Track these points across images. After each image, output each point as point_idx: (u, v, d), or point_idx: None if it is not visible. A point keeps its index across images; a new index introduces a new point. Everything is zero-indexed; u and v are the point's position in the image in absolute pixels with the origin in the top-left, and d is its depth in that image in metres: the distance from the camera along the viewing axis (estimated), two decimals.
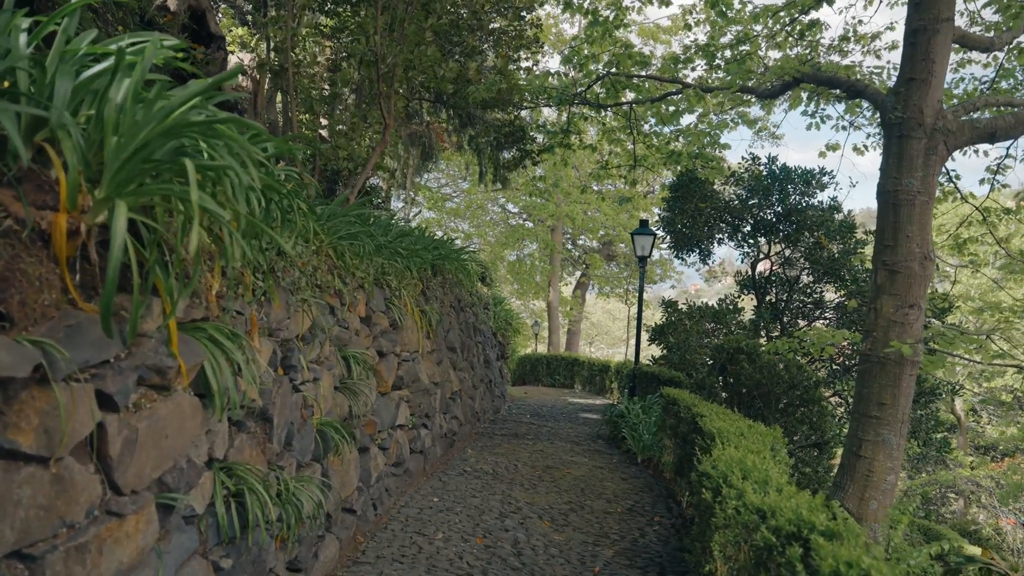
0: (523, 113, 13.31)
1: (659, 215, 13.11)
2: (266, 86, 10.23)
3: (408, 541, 4.57)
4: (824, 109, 8.89)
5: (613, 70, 9.71)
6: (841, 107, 10.18)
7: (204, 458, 2.51)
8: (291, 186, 3.98)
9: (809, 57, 8.41)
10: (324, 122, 10.31)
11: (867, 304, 6.33)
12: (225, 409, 2.43)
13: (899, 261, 6.01)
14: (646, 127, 11.56)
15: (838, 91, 8.13)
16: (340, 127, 6.77)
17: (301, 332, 3.90)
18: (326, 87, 10.70)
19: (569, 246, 31.99)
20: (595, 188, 25.60)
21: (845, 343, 9.61)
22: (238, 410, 2.78)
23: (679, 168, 11.46)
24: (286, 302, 3.64)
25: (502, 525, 5.08)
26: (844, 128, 10.84)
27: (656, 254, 27.43)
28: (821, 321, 12.22)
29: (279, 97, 10.45)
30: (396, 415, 5.77)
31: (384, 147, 6.62)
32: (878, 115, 10.63)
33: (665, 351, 11.79)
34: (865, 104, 9.97)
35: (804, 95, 9.42)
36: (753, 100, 9.91)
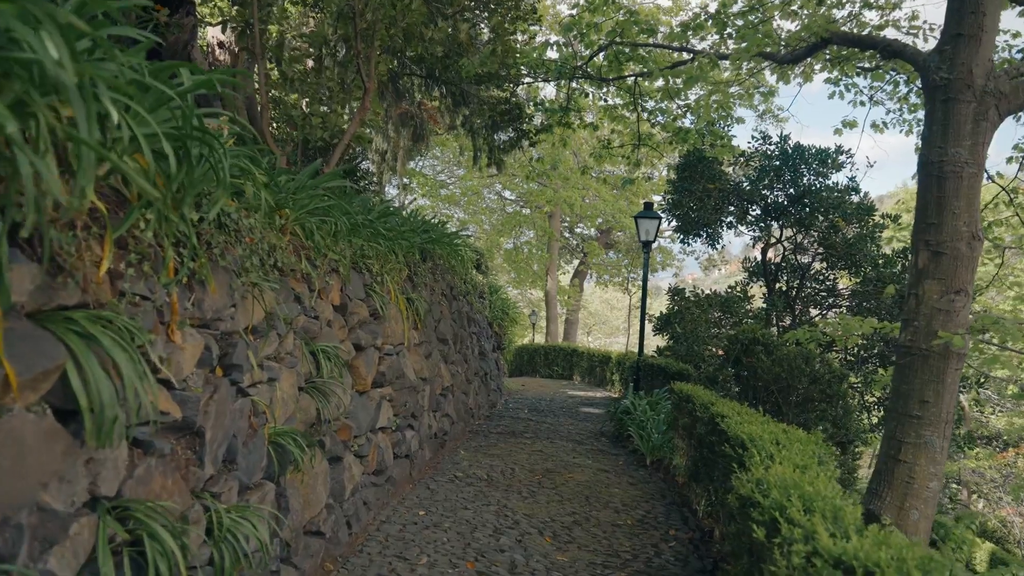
0: (519, 90, 12.59)
1: (663, 198, 12.40)
2: (243, 60, 9.49)
3: (386, 568, 3.90)
4: (848, 78, 8.17)
5: (617, 39, 8.98)
6: (863, 81, 9.48)
7: (82, 498, 1.82)
8: (231, 142, 3.27)
9: (833, 19, 7.66)
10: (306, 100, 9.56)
11: (906, 290, 5.64)
12: (102, 431, 1.73)
13: (944, 241, 5.32)
14: (650, 103, 10.85)
15: (868, 54, 7.43)
16: (317, 85, 6.03)
17: (251, 323, 3.20)
18: (310, 62, 9.95)
19: (567, 234, 31.29)
20: (593, 175, 24.86)
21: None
22: (134, 428, 2.08)
23: (686, 147, 10.75)
24: (228, 286, 2.94)
25: (497, 544, 4.41)
26: (863, 104, 10.14)
27: (656, 241, 26.77)
28: (835, 310, 11.57)
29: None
30: (376, 417, 5.09)
31: (364, 114, 5.90)
32: (900, 89, 9.98)
33: (671, 341, 11.11)
34: (888, 77, 9.28)
35: (820, 65, 8.70)
36: (769, 70, 9.19)
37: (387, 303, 5.63)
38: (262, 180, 3.95)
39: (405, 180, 25.30)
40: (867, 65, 8.74)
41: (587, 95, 11.54)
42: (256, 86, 10.07)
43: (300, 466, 3.34)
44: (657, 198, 17.97)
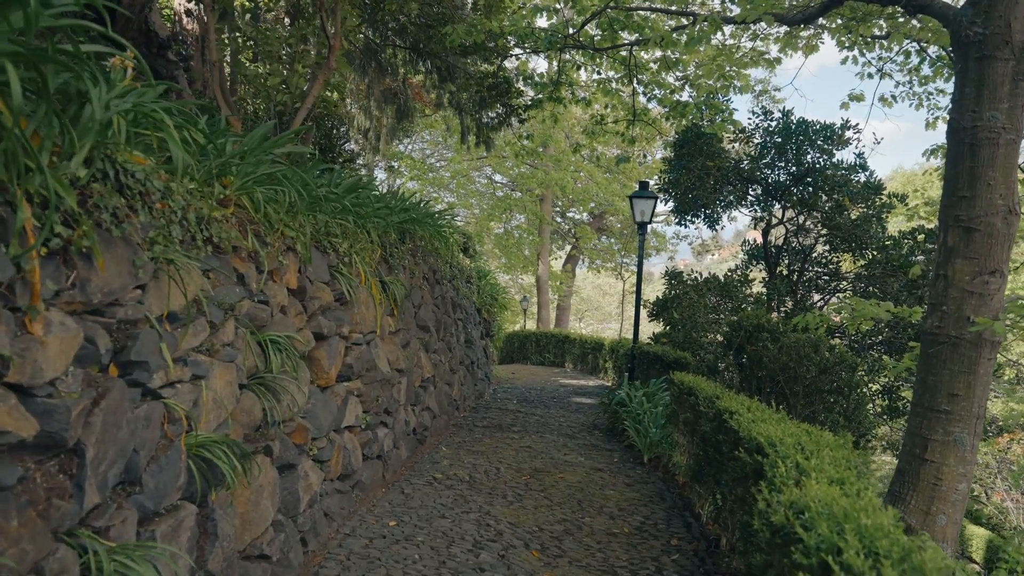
0: (507, 64, 11.93)
1: (659, 178, 11.79)
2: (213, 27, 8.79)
3: None
4: (862, 39, 7.56)
5: (612, 4, 8.35)
6: (874, 53, 8.90)
7: None
8: (129, 80, 2.65)
9: None
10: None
11: (932, 270, 5.09)
12: None
13: (977, 216, 4.77)
14: (646, 76, 10.24)
15: (885, 15, 6.84)
16: (276, 42, 5.37)
17: (166, 310, 2.61)
18: (284, 31, 9.24)
19: (559, 219, 30.67)
20: (585, 156, 24.20)
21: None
22: None
23: (684, 123, 10.15)
24: (131, 262, 2.34)
25: (476, 561, 3.86)
26: (870, 76, 9.56)
27: (651, 223, 26.17)
28: (838, 294, 11.05)
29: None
30: (342, 415, 4.51)
31: (328, 74, 5.26)
32: (911, 60, 9.39)
33: (668, 328, 10.56)
34: (899, 47, 8.71)
35: (829, 32, 8.11)
36: (773, 39, 8.59)
37: (356, 287, 5.03)
38: (196, 138, 3.36)
39: (393, 163, 24.57)
40: (879, 33, 8.17)
41: (579, 68, 10.91)
42: (227, 56, 9.41)
43: (231, 481, 2.75)
44: (651, 182, 17.33)
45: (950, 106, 9.99)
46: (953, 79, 9.58)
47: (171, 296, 2.67)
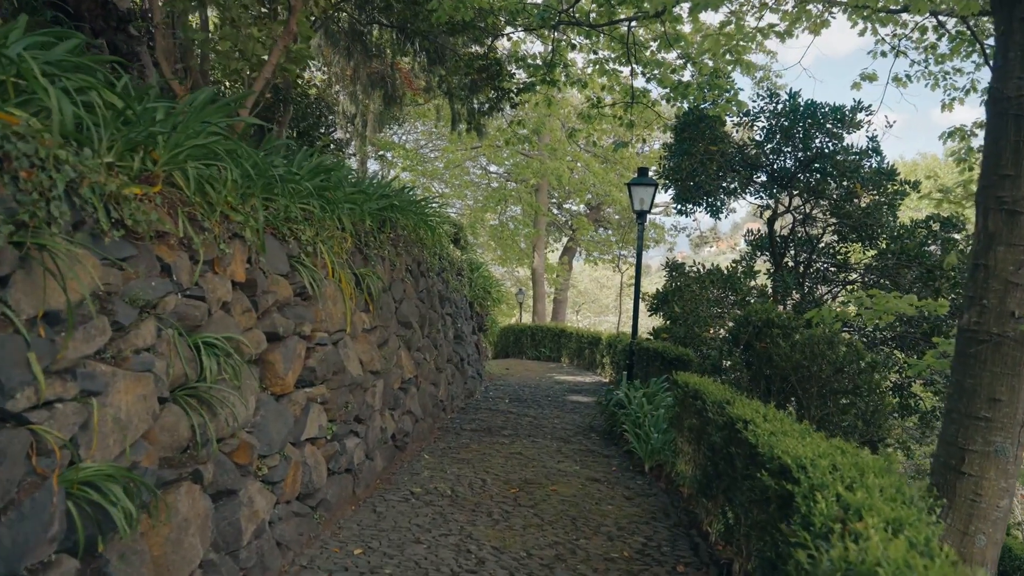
0: (498, 45, 11.34)
1: (659, 164, 11.21)
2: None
3: None
4: (880, 21, 6.98)
5: None
6: (888, 30, 8.32)
7: None
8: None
9: None
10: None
11: (970, 259, 4.54)
12: None
13: (1023, 197, 4.22)
14: (644, 56, 9.65)
15: None
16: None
17: (43, 310, 2.04)
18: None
19: (555, 211, 30.06)
20: (581, 145, 23.58)
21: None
22: None
23: (685, 104, 9.57)
24: None
25: None
26: (884, 55, 8.99)
27: (647, 216, 25.54)
28: (848, 286, 10.51)
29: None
30: (301, 426, 3.95)
31: (289, 39, 4.67)
32: (928, 37, 8.80)
33: (668, 323, 10.00)
34: (922, 19, 8.12)
35: (841, 7, 7.54)
36: (779, 16, 8.00)
37: (321, 279, 4.46)
38: (112, 101, 2.80)
39: (386, 153, 23.89)
40: (895, 7, 7.59)
41: (574, 48, 10.31)
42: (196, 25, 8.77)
43: (123, 529, 2.18)
44: (651, 170, 16.75)
45: (967, 85, 9.41)
46: (972, 57, 9.00)
47: (52, 291, 2.10)
